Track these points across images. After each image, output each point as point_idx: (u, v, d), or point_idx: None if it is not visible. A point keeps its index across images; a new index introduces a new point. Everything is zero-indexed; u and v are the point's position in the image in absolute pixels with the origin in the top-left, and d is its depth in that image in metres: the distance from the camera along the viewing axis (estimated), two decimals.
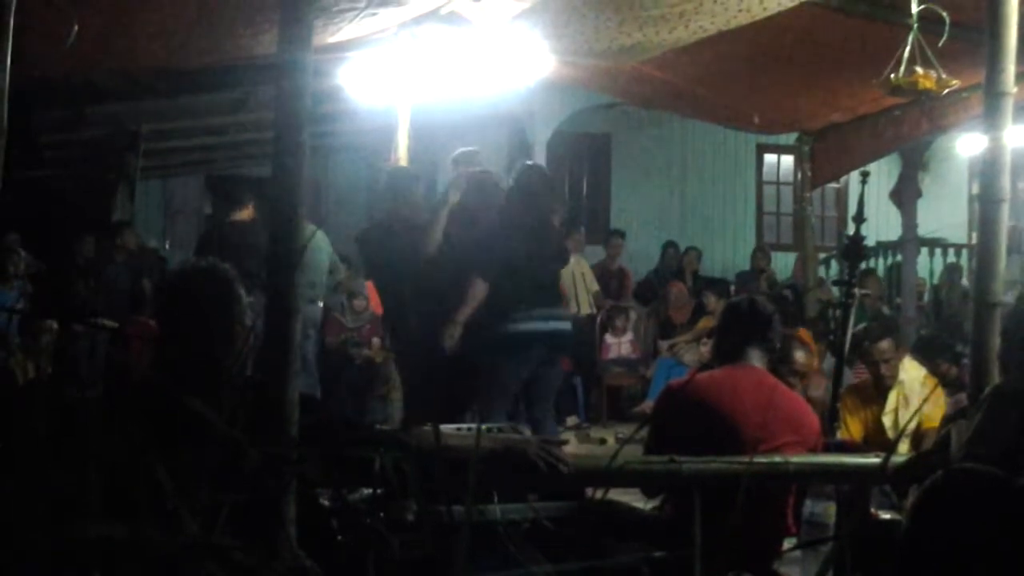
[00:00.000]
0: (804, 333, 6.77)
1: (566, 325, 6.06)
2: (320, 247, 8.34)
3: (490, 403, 5.69)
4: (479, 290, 5.79)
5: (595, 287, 10.61)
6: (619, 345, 10.28)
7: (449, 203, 6.06)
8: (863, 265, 10.84)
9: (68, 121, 9.28)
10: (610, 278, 11.22)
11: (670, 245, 12.19)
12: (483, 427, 3.86)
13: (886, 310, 11.22)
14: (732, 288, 10.68)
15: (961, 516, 2.16)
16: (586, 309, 10.34)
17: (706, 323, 9.85)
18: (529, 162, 6.95)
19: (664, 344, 10.01)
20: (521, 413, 6.01)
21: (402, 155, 7.47)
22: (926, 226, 11.16)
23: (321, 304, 8.79)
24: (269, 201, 2.68)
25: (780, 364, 4.67)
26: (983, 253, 3.61)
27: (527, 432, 4.38)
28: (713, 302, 10.22)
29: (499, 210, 6.04)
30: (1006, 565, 2.06)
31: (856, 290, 5.78)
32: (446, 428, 3.48)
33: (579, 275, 10.38)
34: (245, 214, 8.20)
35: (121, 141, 9.94)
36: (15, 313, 7.57)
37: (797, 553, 3.88)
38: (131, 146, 10.02)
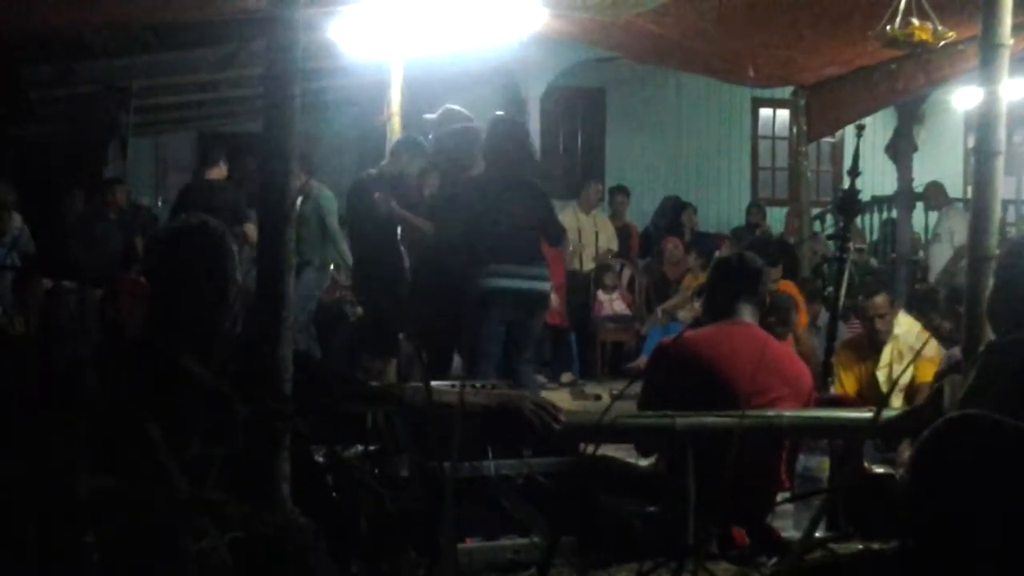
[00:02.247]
0: (787, 285, 6.77)
1: (540, 284, 5.90)
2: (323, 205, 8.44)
3: (472, 357, 5.71)
4: (421, 224, 5.96)
5: (608, 244, 10.54)
6: (611, 302, 10.27)
7: (426, 195, 6.15)
8: (858, 221, 10.91)
9: (58, 77, 9.20)
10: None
11: (670, 199, 12.16)
12: (477, 384, 3.86)
13: (873, 262, 11.24)
14: (725, 244, 10.64)
15: (964, 462, 2.16)
16: (589, 265, 10.32)
17: (690, 280, 9.86)
18: (499, 113, 6.89)
19: (659, 311, 9.98)
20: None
21: (395, 111, 7.44)
22: (921, 180, 11.13)
23: (331, 268, 8.88)
24: (256, 158, 2.67)
25: (766, 315, 4.69)
26: (978, 206, 3.60)
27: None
28: (692, 260, 10.23)
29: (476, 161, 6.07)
30: (1010, 509, 2.06)
31: (851, 244, 5.77)
32: (439, 385, 3.49)
33: (589, 231, 10.33)
34: (216, 172, 8.19)
35: (112, 97, 9.86)
36: (5, 270, 7.55)
37: (790, 507, 3.91)
38: (122, 102, 9.95)
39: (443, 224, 6.01)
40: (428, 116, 6.89)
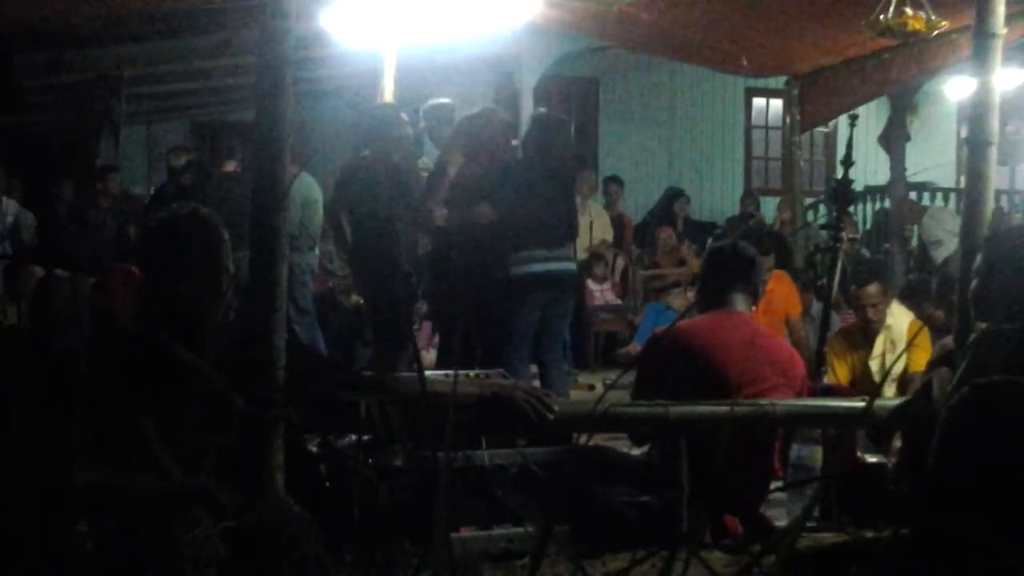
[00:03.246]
0: (780, 275, 6.78)
1: (569, 266, 6.07)
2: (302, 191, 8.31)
3: (504, 347, 5.70)
4: (484, 211, 5.81)
5: (602, 235, 10.56)
6: (601, 292, 10.28)
7: (447, 172, 6.09)
8: (852, 210, 10.91)
9: (50, 65, 9.16)
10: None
11: (672, 190, 12.17)
12: (471, 373, 3.86)
13: (865, 252, 11.23)
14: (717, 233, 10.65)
15: (996, 427, 2.14)
16: (581, 256, 10.32)
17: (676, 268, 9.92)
18: (542, 109, 6.96)
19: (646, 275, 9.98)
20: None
21: (388, 99, 7.43)
22: (915, 170, 11.13)
23: (317, 252, 8.77)
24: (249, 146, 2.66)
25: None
26: (970, 196, 3.60)
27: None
28: (685, 248, 10.24)
29: (507, 147, 6.06)
30: None
31: (844, 234, 5.77)
32: (432, 374, 3.49)
33: (584, 221, 10.34)
34: (230, 165, 8.14)
35: (104, 86, 9.82)
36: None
37: (783, 495, 3.91)
38: (114, 91, 9.91)
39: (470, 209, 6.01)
40: (423, 124, 6.96)
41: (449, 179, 6.08)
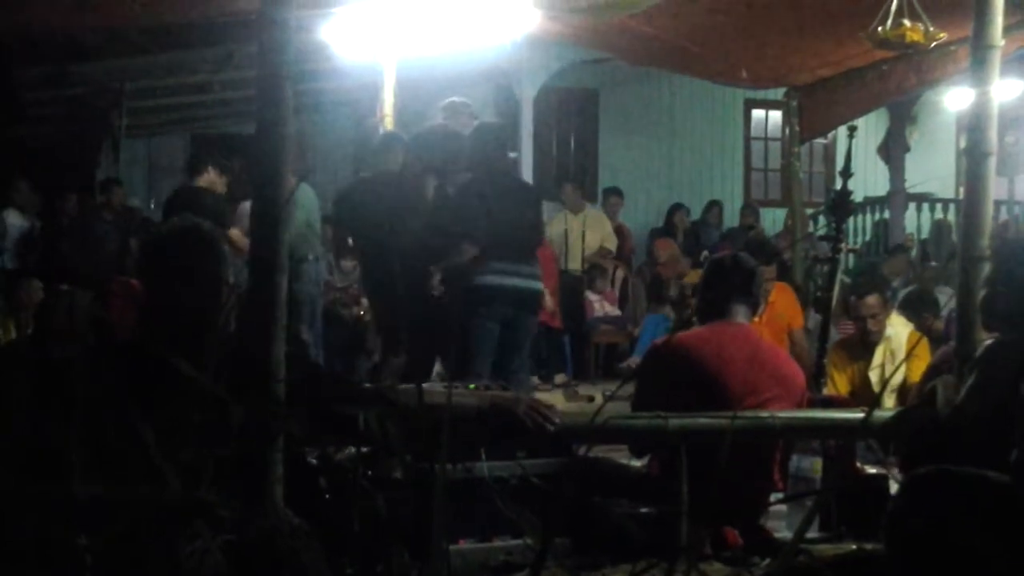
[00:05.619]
0: (782, 286, 6.79)
1: (532, 283, 5.93)
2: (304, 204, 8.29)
3: (465, 355, 5.69)
4: (468, 251, 5.79)
5: (601, 242, 10.55)
6: (601, 303, 10.28)
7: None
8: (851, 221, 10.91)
9: (51, 78, 9.19)
10: None
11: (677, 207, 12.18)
12: (471, 385, 3.86)
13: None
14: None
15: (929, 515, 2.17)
16: (576, 266, 10.32)
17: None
18: (478, 120, 6.90)
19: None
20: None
21: (387, 112, 7.44)
22: (914, 181, 11.14)
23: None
24: (250, 161, 2.67)
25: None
26: (969, 207, 3.60)
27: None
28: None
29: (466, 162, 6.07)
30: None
31: (842, 245, 5.78)
32: (432, 386, 3.49)
33: (576, 232, 10.34)
34: (203, 180, 8.06)
35: (105, 99, 9.85)
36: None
37: (783, 507, 3.91)
38: (115, 104, 9.94)
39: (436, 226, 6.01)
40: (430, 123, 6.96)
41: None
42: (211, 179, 7.73)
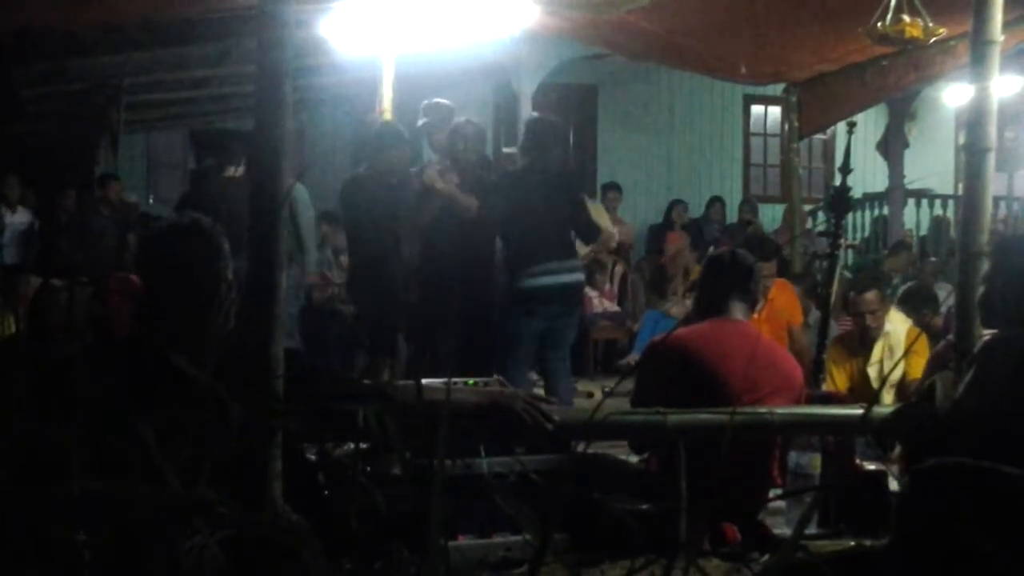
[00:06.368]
0: (782, 282, 6.78)
1: (578, 276, 6.06)
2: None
3: (509, 360, 5.67)
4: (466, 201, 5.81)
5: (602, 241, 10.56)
6: (600, 299, 10.27)
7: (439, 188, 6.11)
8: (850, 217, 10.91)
9: (49, 74, 9.17)
10: None
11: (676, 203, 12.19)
12: (470, 381, 3.86)
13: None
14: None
15: (936, 510, 2.16)
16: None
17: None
18: (535, 114, 6.91)
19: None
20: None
21: (387, 107, 7.43)
22: (913, 176, 11.14)
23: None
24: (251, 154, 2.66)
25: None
26: (968, 203, 3.60)
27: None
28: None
29: (484, 160, 6.07)
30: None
31: (841, 241, 5.78)
32: (431, 382, 3.48)
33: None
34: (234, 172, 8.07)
35: (103, 94, 9.83)
36: None
37: (782, 503, 3.91)
38: (113, 99, 9.92)
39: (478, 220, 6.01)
40: (422, 121, 6.96)
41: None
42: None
